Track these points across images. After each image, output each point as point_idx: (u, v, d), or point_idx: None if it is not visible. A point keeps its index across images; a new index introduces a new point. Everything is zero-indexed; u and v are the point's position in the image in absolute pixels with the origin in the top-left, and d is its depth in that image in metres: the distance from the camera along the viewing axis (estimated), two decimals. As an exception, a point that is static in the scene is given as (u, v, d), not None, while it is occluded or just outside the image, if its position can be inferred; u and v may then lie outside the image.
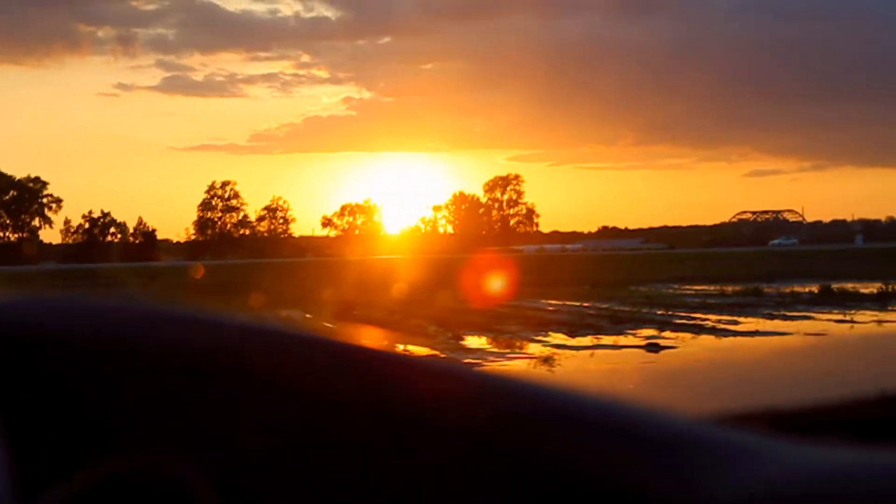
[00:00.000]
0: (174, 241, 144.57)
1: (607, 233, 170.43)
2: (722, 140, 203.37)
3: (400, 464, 0.68)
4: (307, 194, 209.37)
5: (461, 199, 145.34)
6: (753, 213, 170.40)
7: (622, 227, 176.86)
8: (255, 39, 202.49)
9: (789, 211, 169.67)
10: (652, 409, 0.69)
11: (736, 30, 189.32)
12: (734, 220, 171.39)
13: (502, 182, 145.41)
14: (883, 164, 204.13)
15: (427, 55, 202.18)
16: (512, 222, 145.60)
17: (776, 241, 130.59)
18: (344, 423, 0.69)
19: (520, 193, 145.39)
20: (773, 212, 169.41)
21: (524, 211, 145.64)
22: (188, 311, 0.74)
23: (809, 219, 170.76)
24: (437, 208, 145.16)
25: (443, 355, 15.54)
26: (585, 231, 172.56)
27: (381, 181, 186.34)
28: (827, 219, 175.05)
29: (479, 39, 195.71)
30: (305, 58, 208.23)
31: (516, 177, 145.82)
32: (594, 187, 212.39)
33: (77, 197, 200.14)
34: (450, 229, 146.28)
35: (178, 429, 0.71)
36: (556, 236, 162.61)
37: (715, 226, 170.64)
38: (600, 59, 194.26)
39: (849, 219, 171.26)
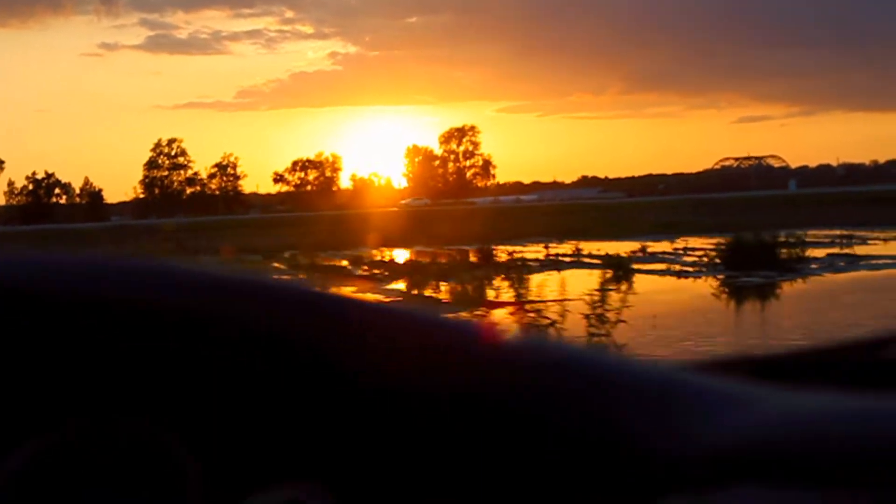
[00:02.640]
0: (125, 201, 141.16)
1: (586, 182, 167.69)
2: (710, 87, 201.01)
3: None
4: (276, 150, 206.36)
5: (415, 152, 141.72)
6: (737, 159, 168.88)
7: (603, 176, 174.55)
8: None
9: (773, 156, 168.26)
10: (631, 358, 0.69)
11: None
12: (717, 166, 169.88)
13: (458, 133, 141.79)
14: (871, 108, 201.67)
15: (412, 8, 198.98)
16: (468, 174, 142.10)
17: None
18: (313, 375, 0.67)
19: (476, 145, 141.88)
20: (756, 157, 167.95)
21: (480, 162, 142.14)
22: (157, 265, 0.71)
23: (796, 164, 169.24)
24: (388, 162, 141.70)
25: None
26: (568, 181, 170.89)
27: (354, 135, 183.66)
28: (813, 164, 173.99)
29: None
30: (290, 13, 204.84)
31: (472, 128, 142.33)
32: (581, 137, 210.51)
33: (58, 160, 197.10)
34: (404, 182, 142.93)
35: (153, 388, 0.69)
36: (517, 187, 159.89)
37: (699, 173, 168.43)
38: (586, 7, 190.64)
39: (833, 163, 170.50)
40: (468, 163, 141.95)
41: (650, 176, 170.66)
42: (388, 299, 0.67)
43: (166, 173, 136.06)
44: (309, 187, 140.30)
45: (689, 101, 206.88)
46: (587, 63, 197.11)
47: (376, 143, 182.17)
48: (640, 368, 0.69)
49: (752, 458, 0.61)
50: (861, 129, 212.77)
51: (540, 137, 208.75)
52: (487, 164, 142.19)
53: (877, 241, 28.76)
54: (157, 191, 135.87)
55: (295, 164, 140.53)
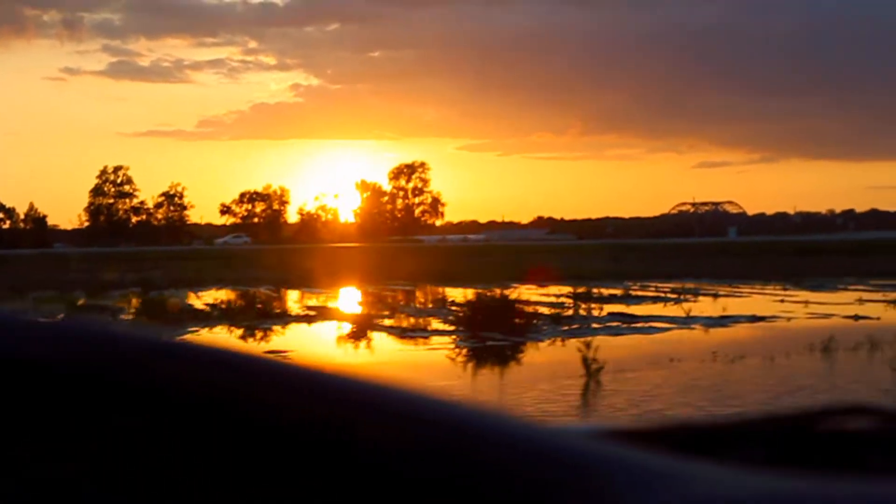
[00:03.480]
0: (69, 228, 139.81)
1: (542, 222, 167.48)
2: (671, 131, 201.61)
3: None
4: (234, 181, 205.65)
5: (363, 187, 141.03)
6: (694, 204, 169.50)
7: (559, 217, 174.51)
8: (201, 25, 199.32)
9: (729, 202, 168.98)
10: (559, 429, 0.69)
11: (688, 19, 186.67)
12: (674, 211, 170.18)
13: (408, 170, 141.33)
14: (829, 157, 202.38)
15: (375, 43, 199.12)
16: (417, 211, 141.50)
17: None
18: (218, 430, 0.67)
19: (425, 182, 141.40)
20: (714, 203, 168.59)
21: (429, 200, 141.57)
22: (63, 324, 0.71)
23: (753, 210, 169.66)
24: (337, 196, 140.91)
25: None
26: (525, 221, 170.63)
27: (312, 168, 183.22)
28: (770, 211, 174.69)
29: (426, 27, 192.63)
30: (253, 44, 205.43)
31: (422, 164, 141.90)
32: (541, 177, 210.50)
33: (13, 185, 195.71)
34: (351, 218, 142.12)
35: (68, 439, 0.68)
36: (473, 226, 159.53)
37: (656, 217, 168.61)
38: (549, 47, 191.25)
39: (790, 211, 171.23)
40: (417, 199, 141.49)
41: (607, 218, 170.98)
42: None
43: (112, 201, 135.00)
44: (256, 219, 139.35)
45: (650, 143, 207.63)
46: (548, 103, 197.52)
47: (333, 177, 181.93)
48: (568, 441, 0.68)
49: None
50: (818, 178, 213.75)
51: (499, 176, 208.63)
52: (437, 202, 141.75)
53: (709, 296, 28.19)
54: (101, 218, 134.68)
55: (242, 195, 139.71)
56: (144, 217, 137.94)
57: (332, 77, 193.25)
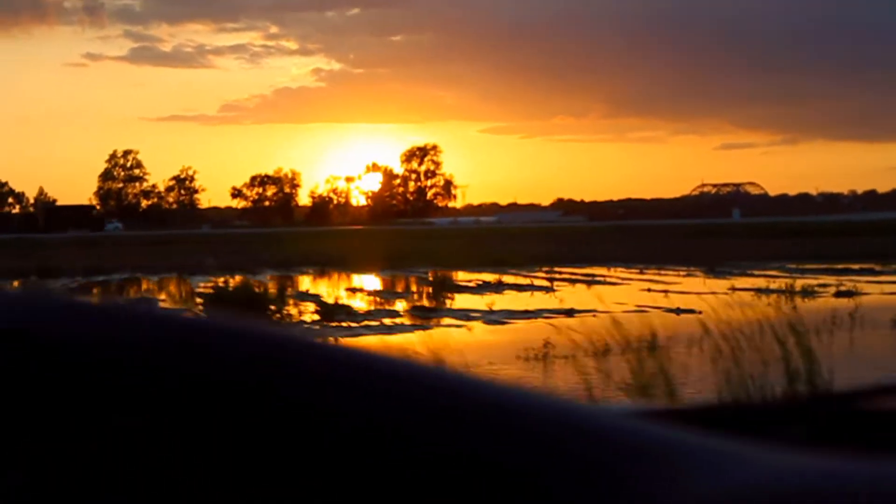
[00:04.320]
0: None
1: (562, 205, 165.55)
2: (694, 113, 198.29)
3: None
4: (256, 164, 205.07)
5: (374, 170, 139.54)
6: (714, 185, 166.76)
7: (579, 199, 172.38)
8: (222, 10, 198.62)
9: (751, 183, 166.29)
10: (628, 415, 0.69)
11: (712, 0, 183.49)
12: (695, 192, 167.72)
13: (420, 152, 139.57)
14: (853, 138, 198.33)
15: (397, 27, 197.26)
16: (429, 194, 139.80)
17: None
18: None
19: (438, 164, 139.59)
20: (734, 184, 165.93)
21: (442, 182, 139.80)
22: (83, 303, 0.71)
23: (776, 192, 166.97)
24: (349, 179, 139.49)
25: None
26: (546, 203, 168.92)
27: (334, 152, 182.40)
28: (793, 192, 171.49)
29: (447, 10, 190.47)
30: (274, 29, 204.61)
31: (434, 147, 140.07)
32: (563, 159, 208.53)
33: (32, 170, 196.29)
34: (362, 200, 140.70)
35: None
36: (494, 208, 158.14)
37: (677, 199, 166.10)
38: (571, 29, 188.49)
39: (813, 192, 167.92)
40: (429, 182, 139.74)
41: (629, 200, 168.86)
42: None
43: (121, 185, 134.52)
44: (267, 203, 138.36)
45: (673, 125, 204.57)
46: (571, 85, 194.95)
47: (356, 161, 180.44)
48: (639, 425, 0.68)
49: None
50: (843, 159, 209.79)
51: (521, 159, 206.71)
52: (449, 185, 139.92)
53: (589, 284, 26.34)
54: (112, 202, 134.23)
55: (253, 178, 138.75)
56: (155, 200, 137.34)
57: (354, 61, 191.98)
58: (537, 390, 0.66)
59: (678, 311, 19.27)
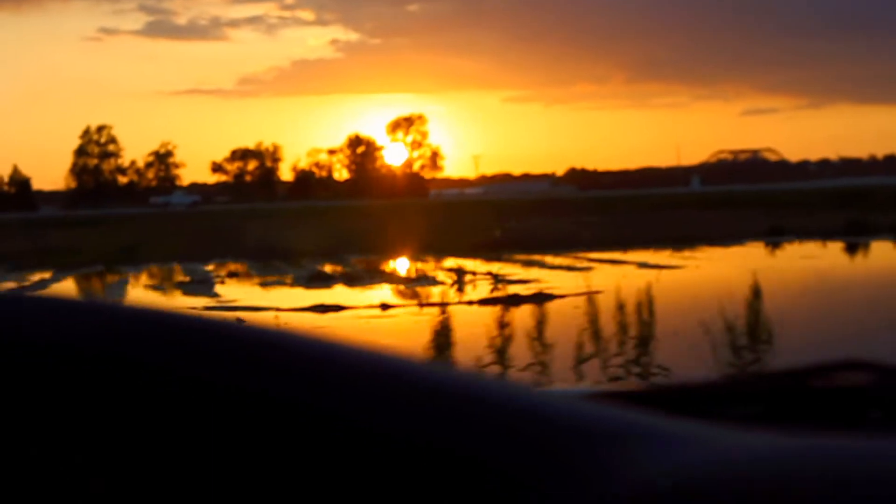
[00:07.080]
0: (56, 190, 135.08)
1: (575, 175, 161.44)
2: (717, 78, 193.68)
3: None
4: (276, 139, 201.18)
5: (356, 142, 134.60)
6: (732, 152, 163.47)
7: (592, 168, 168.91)
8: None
9: (769, 150, 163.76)
10: (579, 398, 0.68)
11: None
12: (713, 159, 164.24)
13: (405, 123, 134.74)
14: (876, 101, 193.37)
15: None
16: (416, 166, 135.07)
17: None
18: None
19: (424, 135, 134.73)
20: (752, 150, 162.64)
21: (428, 153, 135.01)
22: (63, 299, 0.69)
23: (796, 157, 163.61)
24: (331, 151, 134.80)
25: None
26: (560, 173, 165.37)
27: (352, 124, 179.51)
28: (814, 157, 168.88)
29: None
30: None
31: (420, 117, 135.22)
32: (583, 127, 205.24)
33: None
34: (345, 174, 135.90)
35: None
36: (504, 179, 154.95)
37: (695, 166, 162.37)
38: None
39: (833, 157, 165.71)
40: (415, 153, 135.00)
41: (647, 168, 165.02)
42: None
43: (96, 161, 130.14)
44: (248, 177, 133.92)
45: (695, 91, 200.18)
46: (591, 52, 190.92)
47: (373, 132, 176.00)
48: (590, 408, 0.67)
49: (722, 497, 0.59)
50: (865, 123, 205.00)
51: (540, 128, 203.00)
52: (435, 156, 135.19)
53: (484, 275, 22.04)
54: (87, 179, 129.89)
55: (234, 153, 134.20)
56: (135, 178, 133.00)
57: (371, 31, 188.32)
58: (486, 375, 0.63)
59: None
